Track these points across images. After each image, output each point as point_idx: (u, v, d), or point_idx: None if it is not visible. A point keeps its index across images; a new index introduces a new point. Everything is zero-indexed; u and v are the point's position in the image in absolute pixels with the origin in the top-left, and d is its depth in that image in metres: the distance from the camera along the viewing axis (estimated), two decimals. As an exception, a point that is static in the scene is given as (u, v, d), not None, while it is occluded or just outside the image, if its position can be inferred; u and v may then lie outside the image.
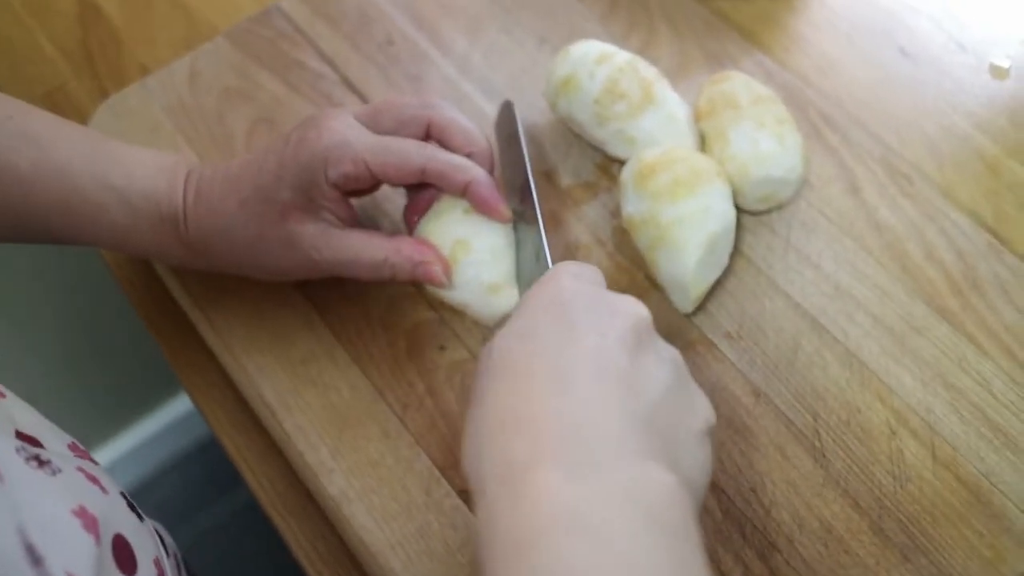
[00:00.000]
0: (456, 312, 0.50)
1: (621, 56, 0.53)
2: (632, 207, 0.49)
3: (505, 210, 0.47)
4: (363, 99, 0.59)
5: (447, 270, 0.47)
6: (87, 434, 1.17)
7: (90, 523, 0.36)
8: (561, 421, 0.31)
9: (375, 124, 0.47)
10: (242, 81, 0.60)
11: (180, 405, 1.27)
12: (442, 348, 0.49)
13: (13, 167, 0.44)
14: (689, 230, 0.47)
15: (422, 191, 0.49)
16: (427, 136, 0.48)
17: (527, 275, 0.47)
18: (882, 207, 0.52)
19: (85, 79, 0.64)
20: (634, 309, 0.36)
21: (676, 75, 0.58)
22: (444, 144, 0.48)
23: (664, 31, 0.61)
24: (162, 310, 0.55)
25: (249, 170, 0.46)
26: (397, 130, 0.47)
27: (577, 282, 0.37)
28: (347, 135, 0.45)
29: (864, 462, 0.45)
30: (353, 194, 0.47)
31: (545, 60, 0.59)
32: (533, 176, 0.50)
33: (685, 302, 0.48)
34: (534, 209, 0.48)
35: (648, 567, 0.28)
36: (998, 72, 0.58)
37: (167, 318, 0.55)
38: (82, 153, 0.46)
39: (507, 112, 0.54)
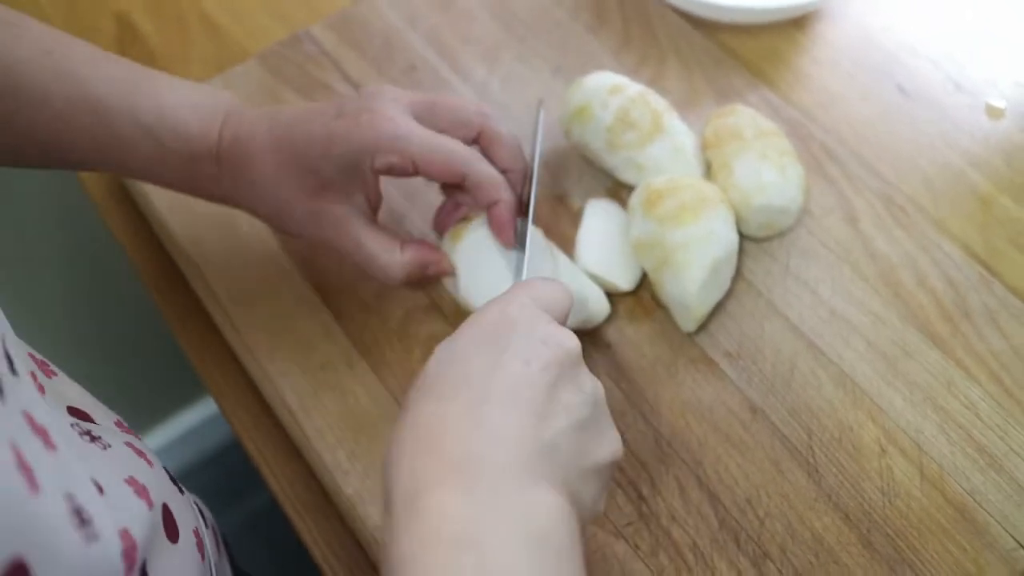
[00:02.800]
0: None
1: (633, 88, 0.56)
2: (639, 230, 0.52)
3: (511, 239, 0.49)
4: (386, 121, 0.62)
5: (446, 266, 0.50)
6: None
7: (141, 491, 0.38)
8: (469, 446, 0.33)
9: (431, 117, 0.48)
10: (271, 101, 0.63)
11: (180, 423, 1.28)
12: (455, 359, 0.52)
13: (48, 103, 0.45)
14: (693, 254, 0.49)
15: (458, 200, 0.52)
16: (474, 142, 0.49)
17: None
18: (878, 237, 0.55)
19: (121, 95, 0.67)
20: (564, 341, 0.37)
21: (684, 106, 0.61)
22: (488, 154, 0.49)
23: (674, 64, 0.63)
24: (188, 315, 0.58)
25: (295, 132, 0.46)
26: (450, 129, 0.48)
27: (521, 310, 0.38)
28: (399, 127, 0.45)
29: (855, 478, 0.47)
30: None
31: (560, 89, 0.62)
32: (536, 191, 0.51)
33: (688, 322, 0.51)
34: (525, 223, 0.50)
35: None
36: (993, 112, 0.61)
37: (193, 322, 0.58)
38: (118, 90, 0.46)
39: (535, 112, 0.56)
